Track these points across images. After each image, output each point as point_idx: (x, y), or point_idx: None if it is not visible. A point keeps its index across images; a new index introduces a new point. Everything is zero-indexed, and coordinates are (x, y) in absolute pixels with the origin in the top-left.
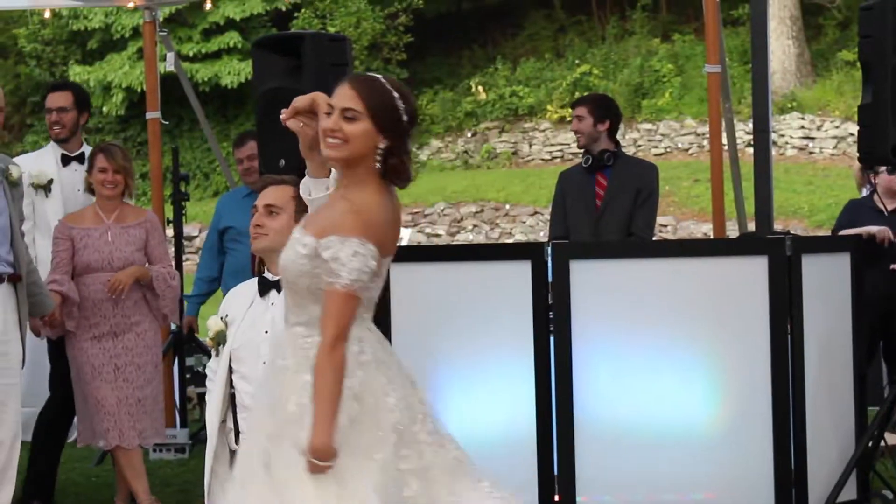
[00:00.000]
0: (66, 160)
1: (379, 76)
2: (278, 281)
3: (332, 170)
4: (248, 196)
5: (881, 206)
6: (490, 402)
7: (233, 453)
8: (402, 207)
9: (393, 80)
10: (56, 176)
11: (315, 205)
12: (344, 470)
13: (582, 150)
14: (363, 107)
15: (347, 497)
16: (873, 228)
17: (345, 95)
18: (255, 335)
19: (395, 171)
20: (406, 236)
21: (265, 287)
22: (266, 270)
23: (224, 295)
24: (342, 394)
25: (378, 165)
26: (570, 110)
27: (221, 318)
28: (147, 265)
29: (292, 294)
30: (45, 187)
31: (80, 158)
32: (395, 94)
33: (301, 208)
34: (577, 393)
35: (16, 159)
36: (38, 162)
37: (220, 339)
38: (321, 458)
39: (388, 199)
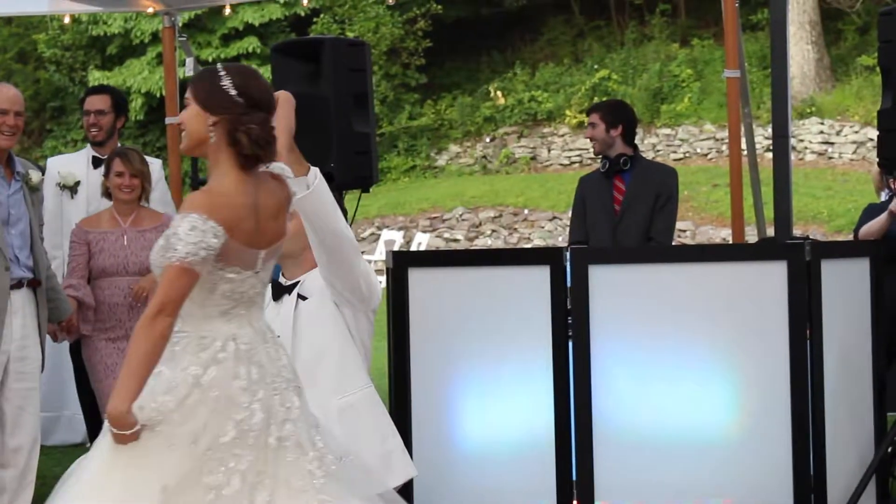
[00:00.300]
0: (96, 162)
1: (216, 66)
2: (293, 285)
3: (311, 166)
4: None
5: None
6: (508, 407)
7: None
8: (286, 208)
9: (230, 65)
10: (85, 178)
11: (299, 204)
12: (148, 445)
13: (602, 155)
14: (191, 94)
15: (135, 470)
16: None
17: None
18: None
19: (244, 147)
20: (424, 241)
21: (279, 292)
22: (280, 275)
23: None
24: (153, 366)
25: (226, 147)
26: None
27: None
28: None
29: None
30: (72, 189)
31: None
32: (221, 73)
33: None
34: (596, 398)
35: (51, 160)
36: (71, 163)
37: None
38: (118, 426)
39: (250, 184)
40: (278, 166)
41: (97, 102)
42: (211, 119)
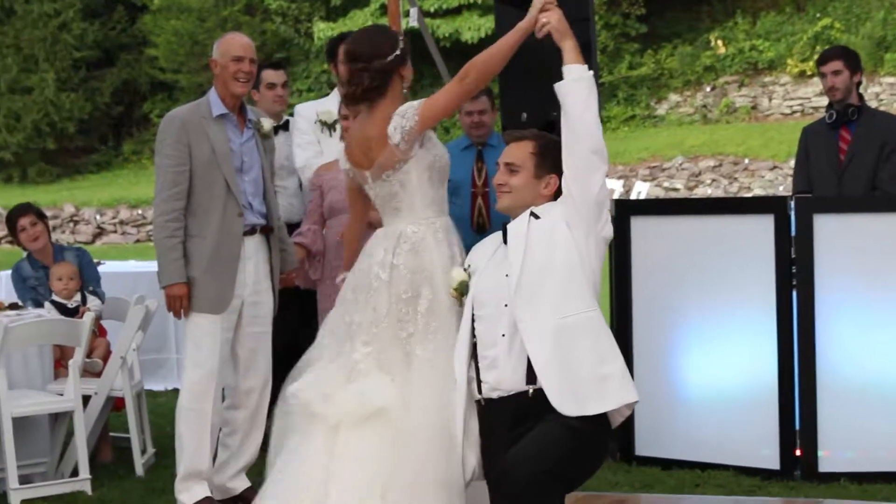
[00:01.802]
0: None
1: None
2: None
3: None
4: (467, 149)
5: None
6: (731, 356)
7: (477, 402)
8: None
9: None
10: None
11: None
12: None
13: (827, 105)
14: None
15: None
16: None
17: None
18: (496, 279)
19: None
20: (644, 190)
21: (504, 234)
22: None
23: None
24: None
25: None
26: (810, 64)
27: (465, 269)
28: None
29: None
30: (331, 126)
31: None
32: None
33: (542, 162)
34: (820, 348)
35: (299, 106)
36: (324, 105)
37: (464, 288)
38: None
39: None
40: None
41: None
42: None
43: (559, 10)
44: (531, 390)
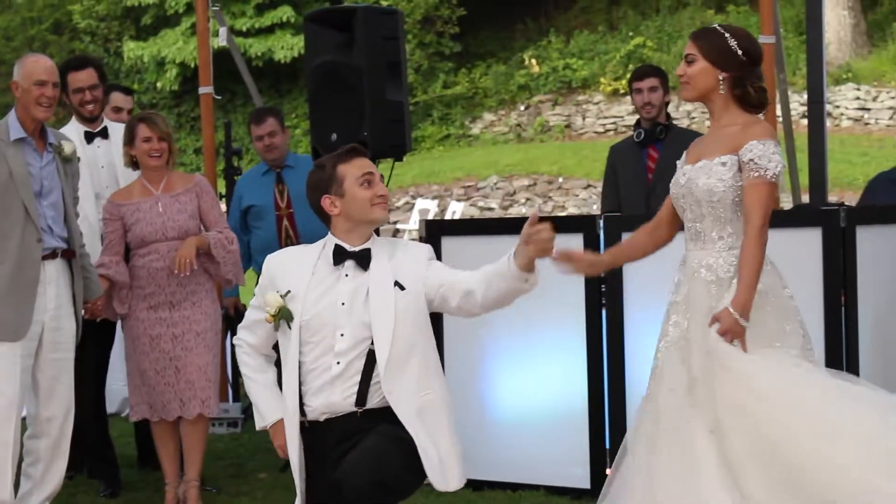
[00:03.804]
0: (89, 137)
1: (716, 25)
2: (358, 252)
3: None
4: (266, 174)
5: None
6: (542, 375)
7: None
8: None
9: (728, 27)
10: (80, 154)
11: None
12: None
13: (635, 123)
14: (698, 51)
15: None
16: None
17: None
18: (328, 306)
19: (752, 99)
20: (458, 210)
21: (341, 257)
22: (339, 240)
23: (256, 273)
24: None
25: (732, 97)
26: (622, 83)
27: (281, 295)
28: (202, 231)
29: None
30: (67, 158)
31: (103, 134)
32: (727, 34)
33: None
34: (630, 366)
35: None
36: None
37: (285, 314)
38: (744, 314)
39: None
40: None
41: (89, 77)
42: (721, 74)
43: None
44: (360, 412)
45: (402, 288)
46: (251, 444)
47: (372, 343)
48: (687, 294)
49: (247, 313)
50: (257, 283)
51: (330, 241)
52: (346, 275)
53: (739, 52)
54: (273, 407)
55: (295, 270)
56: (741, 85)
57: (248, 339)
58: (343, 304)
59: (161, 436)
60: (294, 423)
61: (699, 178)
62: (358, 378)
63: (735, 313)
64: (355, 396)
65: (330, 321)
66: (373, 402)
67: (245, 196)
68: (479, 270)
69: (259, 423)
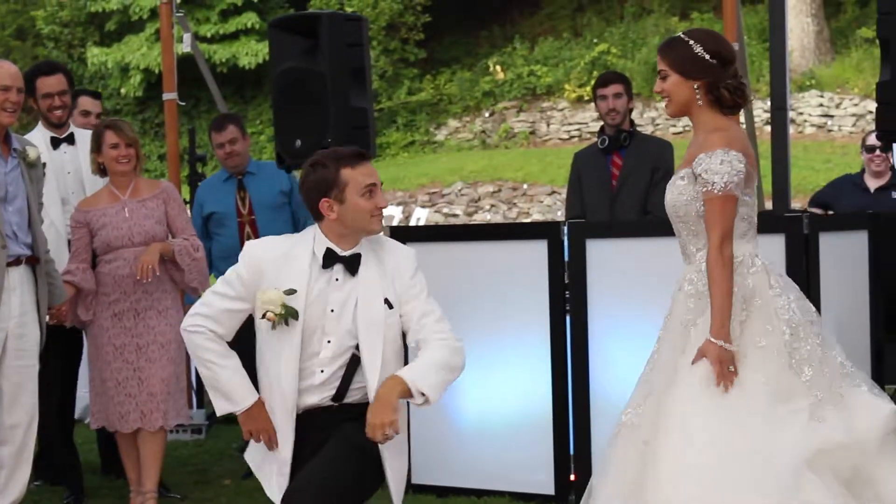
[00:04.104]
0: (55, 143)
1: (680, 34)
2: (349, 257)
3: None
4: (227, 180)
5: (867, 185)
6: (507, 381)
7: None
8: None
9: (692, 31)
10: (47, 159)
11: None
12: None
13: (599, 130)
14: (667, 65)
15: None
16: None
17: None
18: (320, 312)
19: (727, 101)
20: (423, 216)
21: (331, 261)
22: (331, 243)
23: (215, 278)
24: (732, 288)
25: (709, 103)
26: (587, 90)
27: (283, 292)
28: (169, 238)
29: (687, 227)
30: (32, 164)
31: (69, 139)
32: (690, 41)
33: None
34: (594, 372)
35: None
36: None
37: (291, 313)
38: (725, 339)
39: (733, 120)
40: None
41: (58, 83)
42: (694, 84)
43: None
44: (335, 406)
45: (390, 306)
46: (215, 450)
47: (357, 349)
48: (670, 308)
49: (209, 300)
50: None
51: (320, 242)
52: (337, 279)
53: (707, 57)
54: (247, 390)
55: (290, 269)
56: (715, 89)
57: (215, 328)
58: (332, 311)
59: (125, 444)
60: (290, 420)
61: (667, 194)
62: (338, 383)
63: (718, 342)
64: (334, 393)
65: (319, 326)
66: (350, 398)
67: (206, 203)
68: (426, 344)
69: (229, 408)
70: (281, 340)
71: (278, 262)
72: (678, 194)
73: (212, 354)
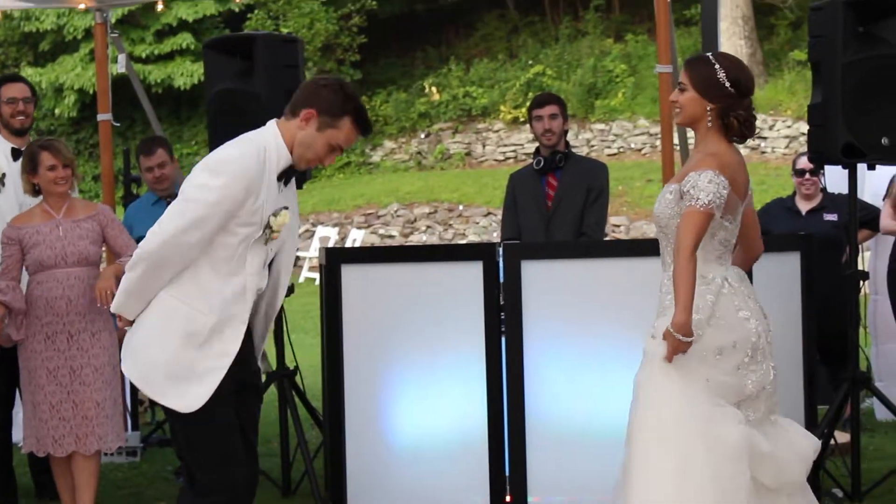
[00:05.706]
0: (16, 154)
1: (709, 55)
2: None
3: None
4: (156, 203)
5: (798, 207)
6: (442, 403)
7: None
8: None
9: (720, 55)
10: (7, 170)
11: None
12: (687, 364)
13: (534, 151)
14: (688, 80)
15: (682, 381)
16: None
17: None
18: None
19: (735, 130)
20: (359, 238)
21: (287, 176)
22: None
23: None
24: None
25: (718, 127)
26: (522, 111)
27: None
28: (118, 260)
29: (666, 239)
30: (1, 181)
31: None
32: (716, 65)
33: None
34: (529, 393)
35: None
36: None
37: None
38: (684, 333)
39: (733, 148)
40: None
41: (22, 90)
42: (708, 105)
43: None
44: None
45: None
46: (150, 472)
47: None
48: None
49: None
50: None
51: (283, 155)
52: (286, 207)
53: (727, 84)
54: None
55: (265, 185)
56: (726, 115)
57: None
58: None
59: (59, 468)
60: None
61: (657, 204)
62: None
63: (677, 334)
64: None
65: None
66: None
67: (136, 226)
68: None
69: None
70: (251, 252)
71: (263, 178)
72: (665, 207)
73: None
